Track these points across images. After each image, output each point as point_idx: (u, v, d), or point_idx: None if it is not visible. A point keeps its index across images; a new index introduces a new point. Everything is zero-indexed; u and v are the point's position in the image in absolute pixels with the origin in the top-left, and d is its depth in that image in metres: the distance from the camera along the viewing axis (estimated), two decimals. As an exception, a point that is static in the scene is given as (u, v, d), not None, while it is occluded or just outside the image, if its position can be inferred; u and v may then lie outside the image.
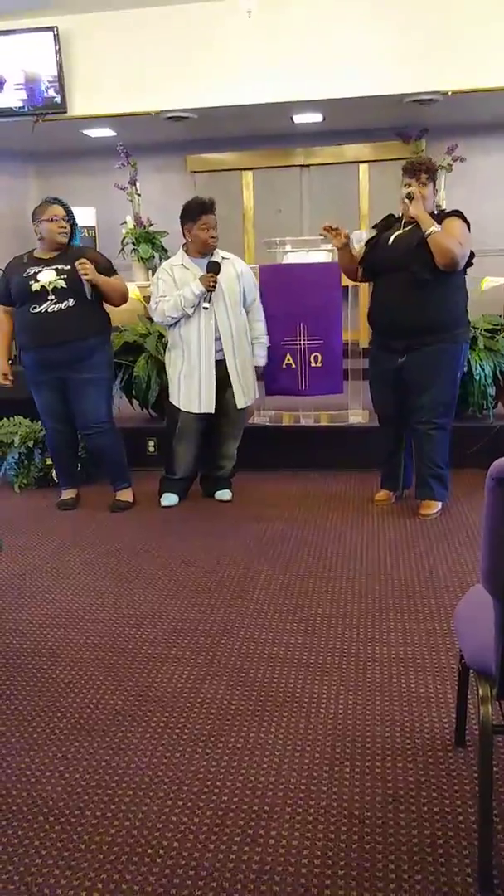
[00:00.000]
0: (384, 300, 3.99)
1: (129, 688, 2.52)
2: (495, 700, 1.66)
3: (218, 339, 4.21)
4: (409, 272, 3.82)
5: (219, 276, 4.18)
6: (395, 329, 3.94)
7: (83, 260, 4.02)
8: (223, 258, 4.28)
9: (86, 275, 4.01)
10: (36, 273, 4.07)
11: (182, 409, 4.32)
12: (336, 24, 6.45)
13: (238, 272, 4.30)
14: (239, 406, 4.33)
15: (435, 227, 3.75)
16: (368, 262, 4.07)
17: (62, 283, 4.05)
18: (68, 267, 4.06)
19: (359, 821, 1.87)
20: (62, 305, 4.05)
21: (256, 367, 4.54)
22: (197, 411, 4.29)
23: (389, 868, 1.72)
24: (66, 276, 4.05)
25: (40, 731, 2.30)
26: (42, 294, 4.05)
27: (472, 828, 1.82)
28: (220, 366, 4.26)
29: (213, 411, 4.28)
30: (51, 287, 4.04)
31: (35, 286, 4.05)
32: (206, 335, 4.19)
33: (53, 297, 4.04)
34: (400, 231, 3.95)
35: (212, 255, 4.23)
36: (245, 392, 4.36)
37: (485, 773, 1.65)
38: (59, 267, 4.07)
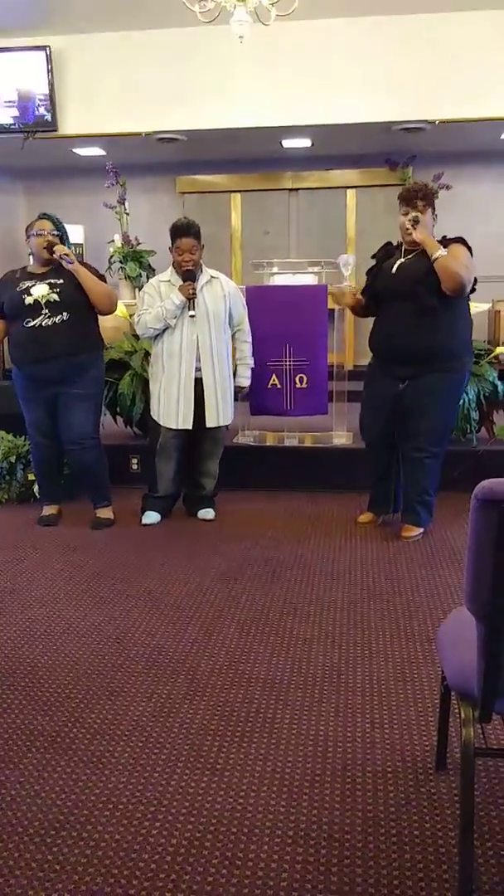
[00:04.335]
0: (390, 328, 3.94)
1: (108, 706, 2.49)
2: (477, 723, 1.66)
3: (198, 357, 4.22)
4: (415, 299, 3.79)
5: (204, 295, 4.20)
6: (400, 356, 3.90)
7: (56, 243, 4.04)
8: (212, 277, 4.30)
9: (60, 248, 4.00)
10: (29, 287, 4.06)
11: (161, 424, 4.33)
12: (327, 51, 6.54)
13: (225, 292, 4.31)
14: (209, 425, 4.31)
15: (441, 252, 3.72)
16: (372, 291, 4.05)
17: (55, 297, 4.04)
18: (61, 280, 4.07)
19: (338, 843, 1.85)
20: (56, 319, 4.04)
21: (240, 388, 4.54)
22: (174, 427, 4.29)
23: (369, 891, 1.70)
24: (59, 290, 4.06)
25: (17, 748, 2.27)
26: (35, 308, 4.04)
27: (452, 851, 1.81)
28: (200, 383, 4.26)
29: (190, 427, 4.28)
30: (44, 301, 4.03)
31: (28, 300, 4.04)
32: (187, 352, 4.20)
33: (47, 311, 4.04)
34: (402, 259, 3.93)
35: (196, 275, 4.24)
36: (220, 412, 4.32)
37: (466, 796, 1.64)
38: (52, 281, 4.07)
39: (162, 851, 1.83)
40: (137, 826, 1.92)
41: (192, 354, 4.21)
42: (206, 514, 4.52)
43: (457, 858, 1.74)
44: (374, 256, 4.14)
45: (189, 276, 4.16)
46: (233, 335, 4.44)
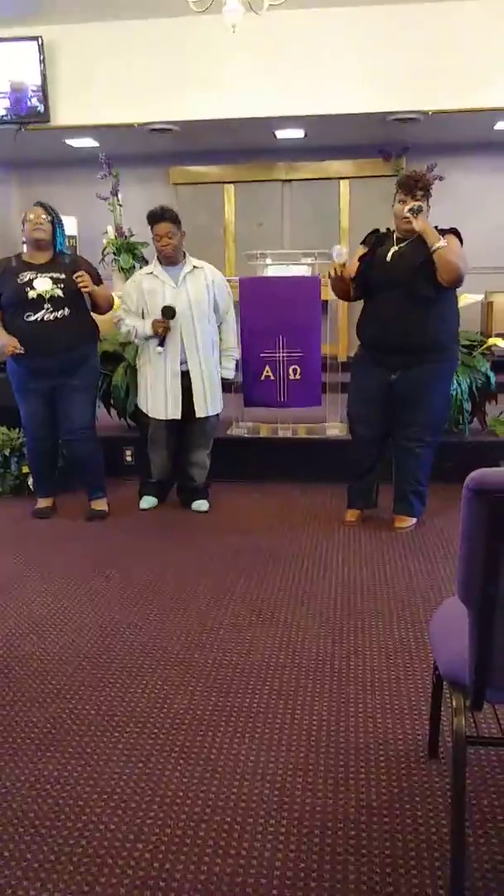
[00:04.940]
0: (382, 316, 3.89)
1: (102, 698, 2.50)
2: (468, 711, 1.67)
3: (184, 349, 4.23)
4: (409, 289, 3.76)
5: (186, 285, 4.22)
6: (393, 345, 3.86)
7: (82, 273, 4.04)
8: (195, 267, 4.30)
9: (85, 287, 4.03)
10: (31, 280, 4.05)
11: (150, 415, 4.36)
12: (320, 41, 6.52)
13: (208, 281, 4.31)
14: (198, 415, 4.33)
15: (441, 243, 3.67)
16: (364, 278, 3.97)
17: (59, 293, 4.05)
18: (63, 276, 4.07)
19: (331, 832, 1.87)
20: (58, 314, 4.05)
21: (224, 378, 4.54)
22: (163, 417, 4.31)
23: (361, 879, 1.72)
24: (62, 286, 4.06)
25: (11, 741, 2.27)
26: (38, 302, 4.03)
27: (444, 839, 1.82)
28: (187, 375, 4.28)
29: (179, 417, 4.30)
30: (47, 296, 4.03)
31: (31, 294, 4.03)
32: (171, 344, 4.22)
33: (50, 305, 4.04)
34: (396, 247, 3.88)
35: (181, 262, 4.26)
36: (208, 402, 4.34)
37: (458, 784, 1.65)
38: (55, 276, 4.07)
39: (156, 841, 1.84)
40: (132, 816, 1.93)
41: (176, 347, 4.22)
42: (200, 505, 4.53)
43: (449, 846, 1.75)
44: (363, 243, 4.06)
45: (168, 312, 4.16)
46: (218, 326, 4.45)
